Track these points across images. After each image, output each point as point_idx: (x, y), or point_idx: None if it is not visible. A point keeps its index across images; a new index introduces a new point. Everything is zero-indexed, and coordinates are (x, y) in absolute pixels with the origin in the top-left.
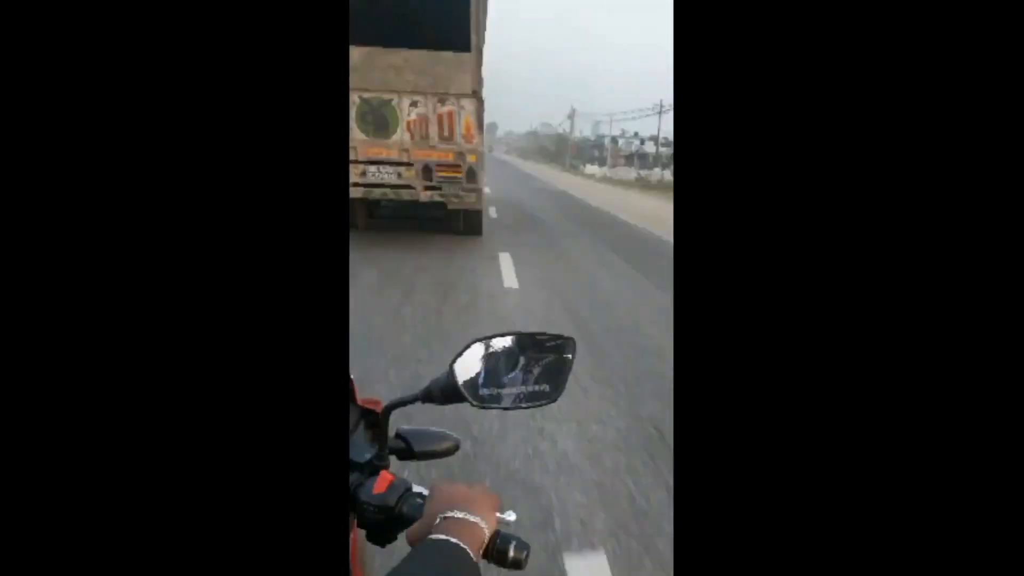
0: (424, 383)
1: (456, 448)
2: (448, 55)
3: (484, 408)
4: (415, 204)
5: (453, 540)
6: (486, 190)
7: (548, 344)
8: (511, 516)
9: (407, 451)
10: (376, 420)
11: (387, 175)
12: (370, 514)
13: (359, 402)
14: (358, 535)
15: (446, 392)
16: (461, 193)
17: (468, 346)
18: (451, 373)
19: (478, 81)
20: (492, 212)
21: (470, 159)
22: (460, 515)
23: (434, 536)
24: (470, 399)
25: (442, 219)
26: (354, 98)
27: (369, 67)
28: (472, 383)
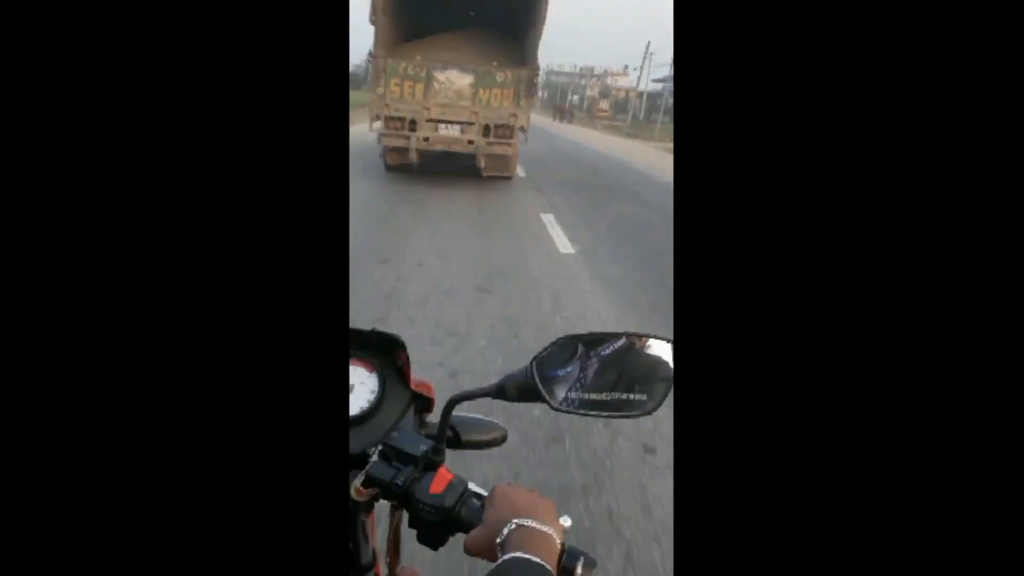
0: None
1: (504, 439)
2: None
3: (564, 412)
4: None
5: (535, 560)
6: None
7: (646, 351)
8: (567, 522)
9: (454, 440)
10: (427, 406)
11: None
12: (425, 515)
13: (412, 385)
14: (401, 528)
15: (523, 391)
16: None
17: (553, 343)
18: (531, 370)
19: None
20: None
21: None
22: (532, 524)
23: (517, 555)
24: (549, 401)
25: None
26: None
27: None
28: (554, 384)
